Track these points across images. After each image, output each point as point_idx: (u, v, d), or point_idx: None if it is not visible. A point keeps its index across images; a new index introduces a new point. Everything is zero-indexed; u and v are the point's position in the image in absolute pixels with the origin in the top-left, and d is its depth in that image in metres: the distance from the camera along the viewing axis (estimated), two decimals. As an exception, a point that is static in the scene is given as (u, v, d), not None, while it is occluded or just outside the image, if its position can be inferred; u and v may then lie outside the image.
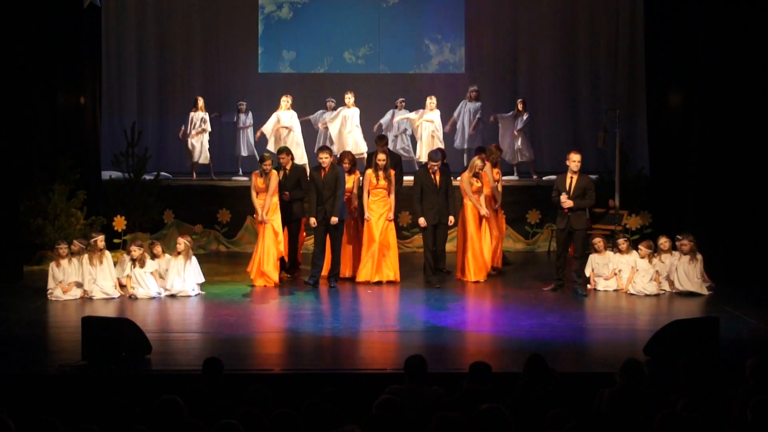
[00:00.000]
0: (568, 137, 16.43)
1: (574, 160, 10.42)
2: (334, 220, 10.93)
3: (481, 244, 11.32)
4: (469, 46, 17.04)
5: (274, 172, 11.13)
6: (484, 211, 11.29)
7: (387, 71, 17.02)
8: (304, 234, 12.23)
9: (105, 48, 15.72)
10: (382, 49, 17.02)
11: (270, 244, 11.00)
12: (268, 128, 14.95)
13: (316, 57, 17.11)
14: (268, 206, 10.97)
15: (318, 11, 17.02)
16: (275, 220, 11.06)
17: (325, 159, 11.00)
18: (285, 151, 11.71)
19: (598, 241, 11.10)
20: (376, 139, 12.45)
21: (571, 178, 10.44)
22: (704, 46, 12.04)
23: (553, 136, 16.24)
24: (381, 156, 11.22)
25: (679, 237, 10.74)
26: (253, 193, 11.17)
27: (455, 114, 15.40)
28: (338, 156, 12.26)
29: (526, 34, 17.00)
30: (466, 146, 15.20)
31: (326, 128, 15.25)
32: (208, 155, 15.30)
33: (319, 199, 10.97)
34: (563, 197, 10.39)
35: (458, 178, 11.61)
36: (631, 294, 10.63)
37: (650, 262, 10.71)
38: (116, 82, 16.73)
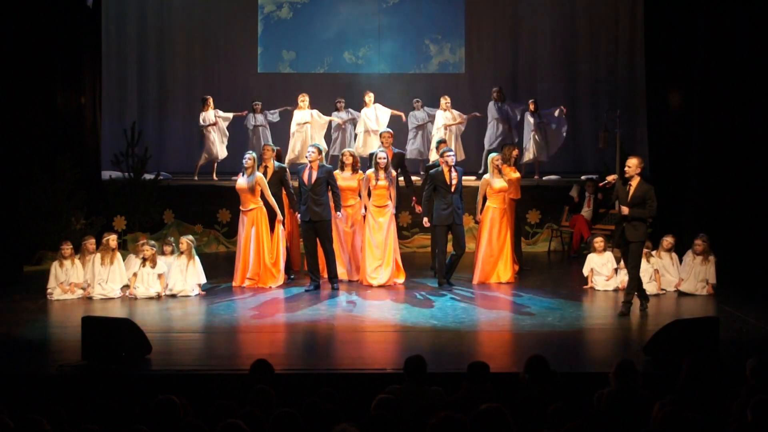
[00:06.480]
0: (569, 137, 16.41)
1: (629, 165, 9.43)
2: (337, 214, 10.90)
3: (499, 245, 11.28)
4: (469, 46, 17.05)
5: (259, 173, 10.98)
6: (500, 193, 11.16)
7: (387, 71, 17.01)
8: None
9: (105, 48, 15.71)
10: (382, 49, 17.02)
11: (275, 244, 11.02)
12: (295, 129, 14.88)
13: (315, 57, 17.11)
14: (275, 206, 10.90)
15: (318, 11, 17.01)
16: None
17: (312, 157, 10.86)
18: (269, 147, 11.56)
19: (598, 241, 11.11)
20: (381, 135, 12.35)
21: (629, 185, 9.45)
22: (704, 46, 12.05)
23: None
24: (381, 155, 11.17)
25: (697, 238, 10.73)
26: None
27: (493, 119, 15.32)
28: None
29: (526, 34, 17.00)
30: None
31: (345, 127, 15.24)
32: (225, 151, 15.28)
33: (302, 198, 10.85)
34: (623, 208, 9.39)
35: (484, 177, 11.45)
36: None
37: (648, 261, 10.69)
38: (116, 82, 16.71)
